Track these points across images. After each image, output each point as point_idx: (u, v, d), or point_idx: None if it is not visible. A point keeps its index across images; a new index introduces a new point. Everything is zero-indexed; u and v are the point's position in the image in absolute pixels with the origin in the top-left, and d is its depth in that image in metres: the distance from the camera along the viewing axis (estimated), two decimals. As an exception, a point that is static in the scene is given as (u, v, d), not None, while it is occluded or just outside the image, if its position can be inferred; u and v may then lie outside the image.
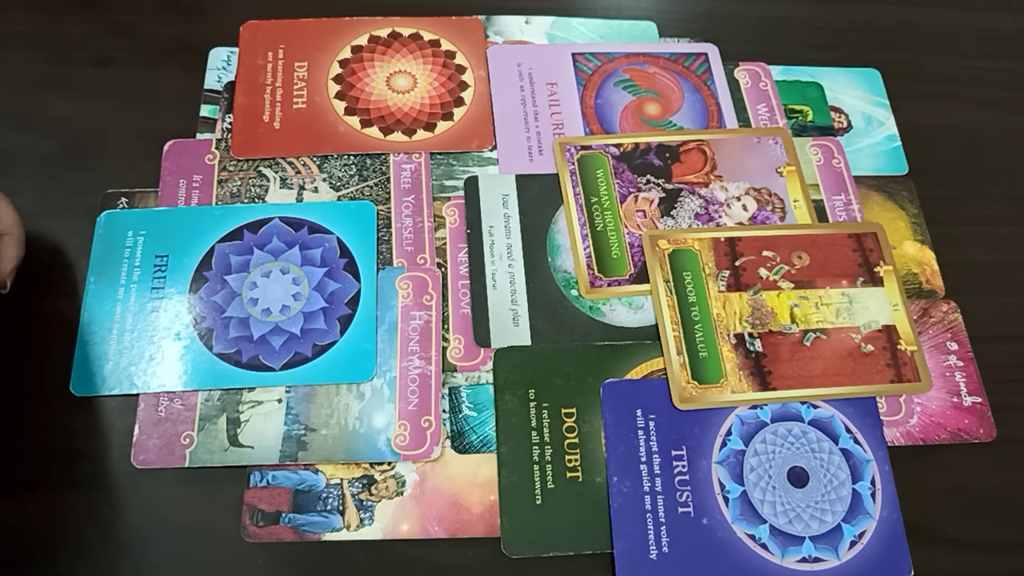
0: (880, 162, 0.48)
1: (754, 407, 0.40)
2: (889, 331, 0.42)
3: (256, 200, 0.44)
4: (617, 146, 0.46)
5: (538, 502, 0.37)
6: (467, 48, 0.49)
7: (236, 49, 0.48)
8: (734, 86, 0.49)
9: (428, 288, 0.42)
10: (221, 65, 0.47)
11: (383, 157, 0.45)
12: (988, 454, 0.40)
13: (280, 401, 0.39)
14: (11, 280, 0.39)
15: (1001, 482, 0.40)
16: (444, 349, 0.41)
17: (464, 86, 0.48)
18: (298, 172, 0.45)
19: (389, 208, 0.44)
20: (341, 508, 0.37)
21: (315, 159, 0.45)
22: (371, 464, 0.38)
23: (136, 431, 0.38)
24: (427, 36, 0.49)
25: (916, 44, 0.53)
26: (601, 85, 0.48)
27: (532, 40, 0.50)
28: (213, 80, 0.47)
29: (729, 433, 0.39)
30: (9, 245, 0.38)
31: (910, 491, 0.38)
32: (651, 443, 0.39)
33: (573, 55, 0.49)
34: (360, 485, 0.38)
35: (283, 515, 0.37)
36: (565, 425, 0.39)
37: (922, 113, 0.50)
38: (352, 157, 0.45)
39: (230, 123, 0.45)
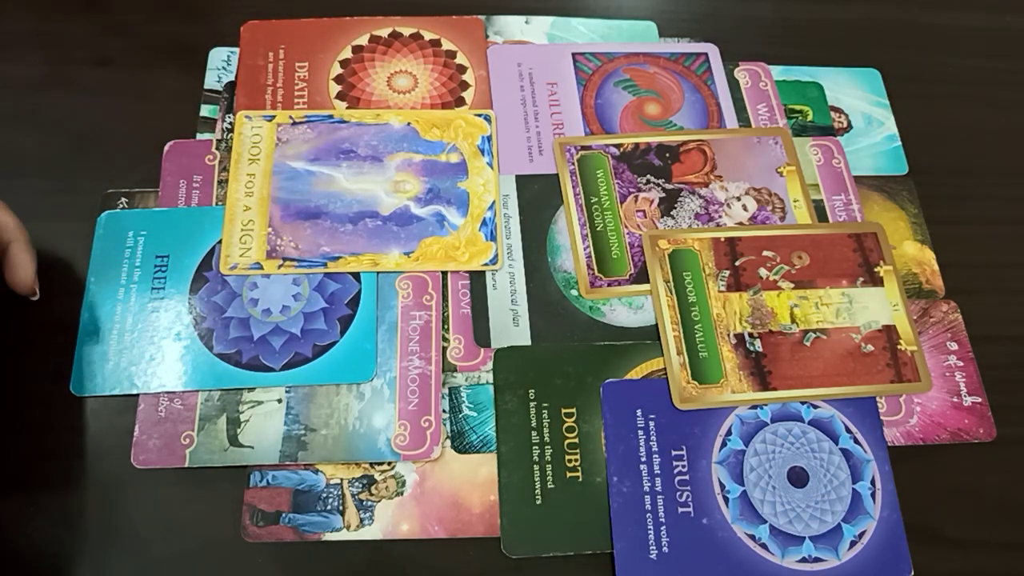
0: (880, 162, 0.48)
1: (754, 407, 0.40)
2: (889, 331, 0.42)
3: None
4: (617, 146, 0.46)
5: (538, 502, 0.37)
6: (468, 48, 0.49)
7: (236, 49, 0.48)
8: (734, 86, 0.49)
9: (428, 288, 0.42)
10: (221, 65, 0.47)
11: (383, 157, 0.45)
12: (988, 454, 0.40)
13: (280, 401, 0.39)
14: (37, 285, 0.38)
15: (1001, 482, 0.40)
16: (444, 349, 0.41)
17: (465, 86, 0.48)
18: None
19: (389, 208, 0.44)
20: (341, 508, 0.37)
21: (315, 159, 0.45)
22: (371, 464, 0.38)
23: (136, 431, 0.38)
24: (428, 36, 0.49)
25: (916, 44, 0.53)
26: (601, 85, 0.48)
27: (532, 40, 0.50)
28: (213, 80, 0.47)
29: (729, 433, 0.39)
30: (21, 251, 0.38)
31: (910, 491, 0.38)
32: (651, 443, 0.39)
33: (573, 55, 0.49)
34: (360, 485, 0.38)
35: (283, 515, 0.37)
36: (565, 425, 0.39)
37: (922, 113, 0.50)
38: (352, 157, 0.45)
39: (230, 123, 0.45)
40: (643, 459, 0.38)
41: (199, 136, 0.45)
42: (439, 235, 0.42)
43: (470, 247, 0.42)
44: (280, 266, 0.41)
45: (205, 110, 0.46)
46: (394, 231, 0.42)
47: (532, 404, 0.39)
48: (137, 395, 0.39)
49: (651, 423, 0.39)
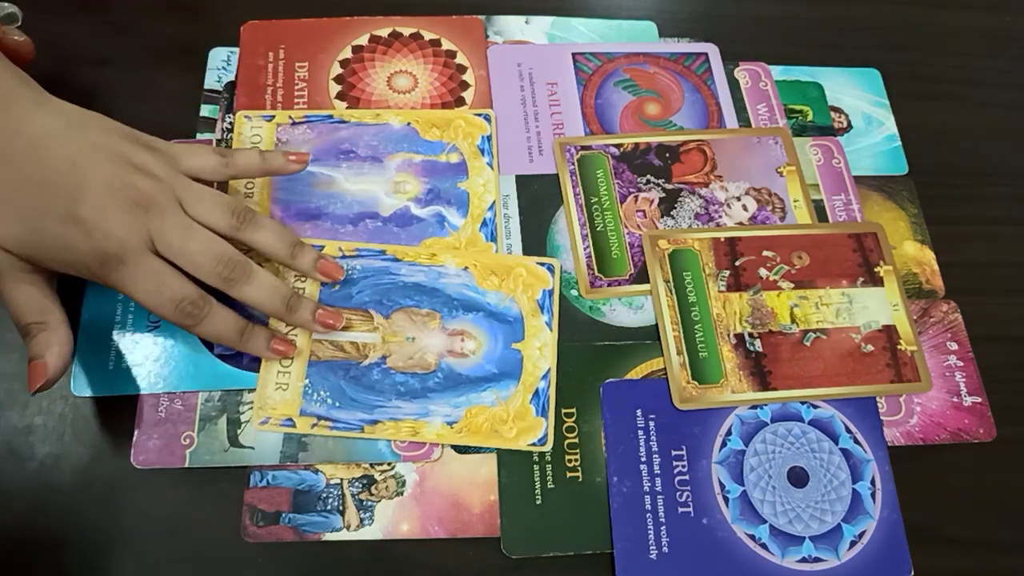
0: (880, 162, 0.48)
1: (754, 407, 0.40)
2: (889, 331, 0.42)
3: (256, 200, 0.44)
4: (617, 146, 0.46)
5: (538, 502, 0.37)
6: (468, 48, 0.49)
7: (236, 49, 0.48)
8: (734, 86, 0.49)
9: (428, 288, 0.42)
10: (221, 65, 0.47)
11: (383, 157, 0.45)
12: (988, 454, 0.40)
13: (280, 401, 0.39)
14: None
15: (1001, 482, 0.40)
16: (444, 349, 0.41)
17: (465, 86, 0.48)
18: (298, 172, 0.45)
19: (389, 208, 0.44)
20: (341, 508, 0.37)
21: (315, 159, 0.45)
22: (371, 464, 0.38)
23: (136, 431, 0.38)
24: (428, 36, 0.49)
25: (916, 44, 0.53)
26: (601, 85, 0.48)
27: (532, 40, 0.50)
28: (213, 80, 0.47)
29: (729, 433, 0.39)
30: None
31: (910, 491, 0.39)
32: (651, 443, 0.39)
33: (573, 55, 0.49)
34: (360, 485, 0.38)
35: (283, 515, 0.37)
36: (565, 425, 0.39)
37: (922, 113, 0.50)
38: (352, 157, 0.45)
39: (230, 123, 0.45)
40: (643, 459, 0.38)
41: (199, 136, 0.45)
42: (439, 235, 0.42)
43: (470, 247, 0.42)
44: None
45: (205, 110, 0.46)
46: (394, 232, 0.42)
47: (532, 404, 0.39)
48: (137, 395, 0.39)
49: (651, 423, 0.39)
